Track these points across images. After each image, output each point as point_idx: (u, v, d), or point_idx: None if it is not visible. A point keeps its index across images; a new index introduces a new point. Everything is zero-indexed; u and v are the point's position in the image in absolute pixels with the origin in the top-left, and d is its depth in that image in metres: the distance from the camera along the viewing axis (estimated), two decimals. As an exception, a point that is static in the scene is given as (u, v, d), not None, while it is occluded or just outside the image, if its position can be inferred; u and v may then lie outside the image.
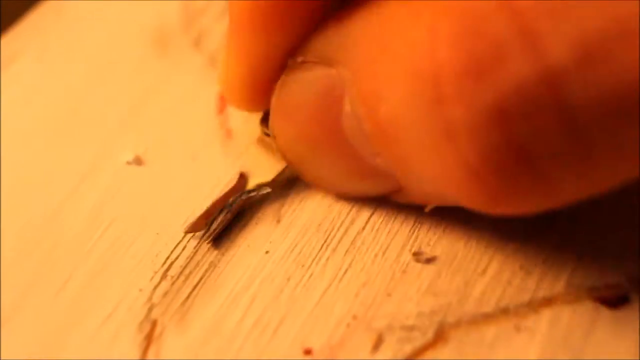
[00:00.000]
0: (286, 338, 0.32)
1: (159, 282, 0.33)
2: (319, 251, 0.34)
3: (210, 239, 0.34)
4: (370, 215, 0.35)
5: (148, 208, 0.36)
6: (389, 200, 0.34)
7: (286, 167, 0.35)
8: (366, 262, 0.34)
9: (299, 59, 0.32)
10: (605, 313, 0.32)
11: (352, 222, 0.35)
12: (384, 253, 0.34)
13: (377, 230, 0.34)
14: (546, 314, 0.32)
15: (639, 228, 0.34)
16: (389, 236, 0.34)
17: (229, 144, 0.38)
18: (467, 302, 0.32)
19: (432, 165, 0.29)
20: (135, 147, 0.38)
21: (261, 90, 0.34)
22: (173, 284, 0.33)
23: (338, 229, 0.35)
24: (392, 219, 0.35)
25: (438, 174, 0.29)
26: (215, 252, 0.34)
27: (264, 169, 0.36)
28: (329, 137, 0.32)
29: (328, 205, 0.35)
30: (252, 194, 0.35)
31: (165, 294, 0.33)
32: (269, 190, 0.35)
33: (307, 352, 0.31)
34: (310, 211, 0.35)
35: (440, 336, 0.32)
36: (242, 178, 0.36)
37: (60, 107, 0.40)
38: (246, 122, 0.38)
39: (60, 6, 0.44)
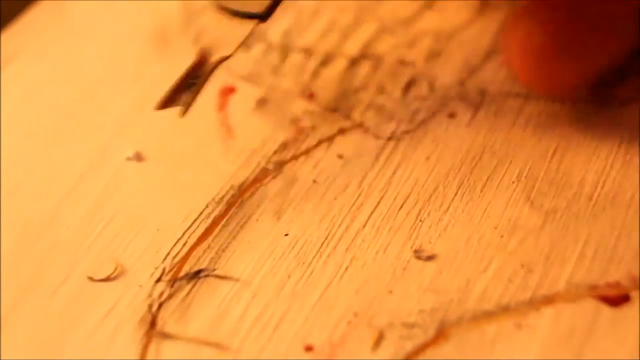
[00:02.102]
0: (287, 335, 0.32)
1: (159, 278, 0.33)
2: (320, 248, 0.34)
3: (183, 113, 0.35)
4: (371, 213, 0.35)
5: (148, 204, 0.36)
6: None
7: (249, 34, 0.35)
8: (367, 260, 0.34)
9: None
10: (606, 311, 0.32)
11: (352, 220, 0.35)
12: (384, 250, 0.34)
13: (378, 227, 0.34)
14: (547, 312, 0.32)
15: (640, 227, 0.34)
16: (390, 233, 0.34)
17: (229, 140, 0.38)
18: (468, 300, 0.32)
19: None
20: (136, 143, 0.38)
21: None
22: (173, 280, 0.33)
23: (339, 226, 0.35)
24: (393, 216, 0.35)
25: None
26: (216, 249, 0.34)
27: (225, 40, 0.36)
28: None
29: (329, 202, 0.35)
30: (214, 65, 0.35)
31: (166, 290, 0.33)
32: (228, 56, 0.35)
33: (308, 349, 0.31)
34: (311, 208, 0.35)
35: (441, 334, 0.32)
36: (203, 54, 0.35)
37: (61, 104, 0.40)
38: (247, 120, 0.38)
39: (60, 4, 0.44)
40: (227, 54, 0.35)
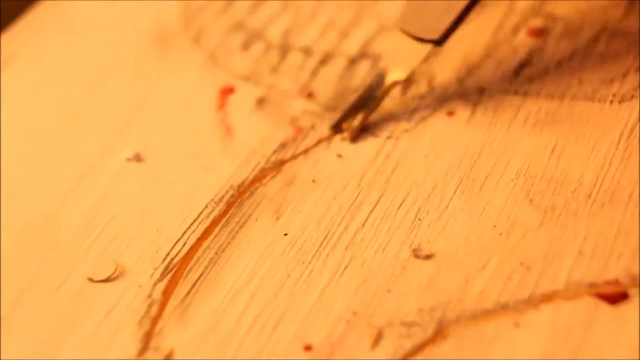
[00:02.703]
0: (286, 334, 0.32)
1: (159, 279, 0.33)
2: (319, 247, 0.34)
3: (351, 136, 0.37)
4: (370, 212, 0.35)
5: (148, 205, 0.36)
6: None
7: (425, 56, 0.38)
8: (366, 259, 0.34)
9: None
10: (604, 309, 0.32)
11: (352, 219, 0.35)
12: (383, 249, 0.34)
13: (377, 226, 0.34)
14: (546, 310, 0.32)
15: (639, 225, 0.34)
16: (388, 232, 0.34)
17: (228, 140, 0.38)
18: (466, 298, 0.32)
19: None
20: (136, 144, 0.38)
21: None
22: (173, 280, 0.33)
23: (338, 225, 0.35)
24: (392, 215, 0.35)
25: None
26: (215, 249, 0.34)
27: (402, 60, 0.38)
28: None
29: (328, 202, 0.35)
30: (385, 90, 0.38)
31: (165, 290, 0.33)
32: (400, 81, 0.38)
33: (307, 348, 0.31)
34: (310, 207, 0.35)
35: (439, 332, 0.32)
36: (379, 75, 0.38)
37: (60, 105, 0.40)
38: (246, 119, 0.38)
39: (60, 5, 0.44)
40: (402, 77, 0.38)
